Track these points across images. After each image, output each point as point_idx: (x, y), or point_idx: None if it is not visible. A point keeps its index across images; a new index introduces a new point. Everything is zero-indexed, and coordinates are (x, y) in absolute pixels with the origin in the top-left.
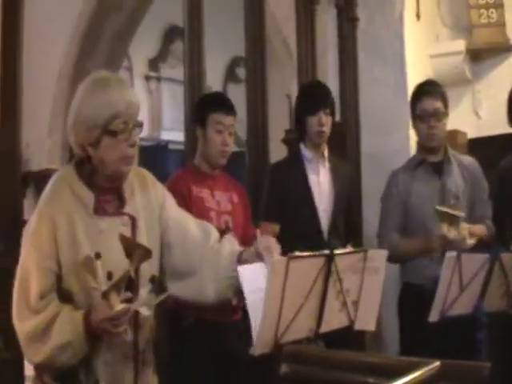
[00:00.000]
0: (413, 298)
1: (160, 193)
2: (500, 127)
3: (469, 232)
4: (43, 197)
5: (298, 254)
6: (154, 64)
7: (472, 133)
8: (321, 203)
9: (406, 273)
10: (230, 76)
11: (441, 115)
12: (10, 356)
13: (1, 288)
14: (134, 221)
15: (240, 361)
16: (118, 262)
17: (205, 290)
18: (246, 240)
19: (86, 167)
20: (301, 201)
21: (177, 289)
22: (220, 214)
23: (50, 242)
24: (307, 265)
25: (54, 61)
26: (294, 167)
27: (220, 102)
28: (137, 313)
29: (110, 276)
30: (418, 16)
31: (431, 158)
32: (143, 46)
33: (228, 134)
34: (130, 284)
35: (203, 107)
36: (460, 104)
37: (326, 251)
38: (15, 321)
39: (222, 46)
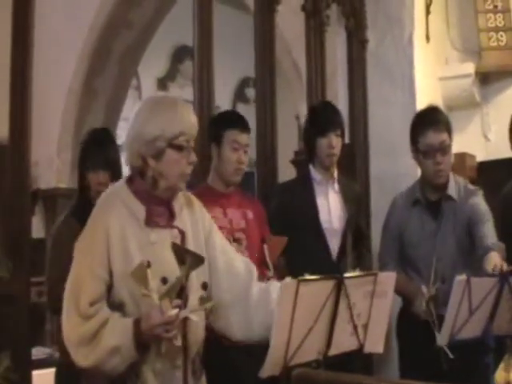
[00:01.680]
0: (410, 323)
1: (207, 218)
2: (509, 150)
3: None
4: (96, 209)
5: (307, 277)
6: (162, 83)
7: (481, 156)
8: (330, 224)
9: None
10: (240, 96)
11: (447, 148)
12: (17, 378)
13: (8, 307)
14: (183, 234)
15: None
16: (170, 270)
17: (251, 325)
18: (262, 256)
19: (140, 181)
20: (307, 222)
21: (222, 321)
22: (232, 232)
23: (103, 252)
24: (317, 288)
25: (63, 78)
26: (302, 189)
27: (235, 120)
28: (186, 320)
29: (164, 281)
30: (427, 38)
31: (430, 196)
32: (152, 65)
33: (243, 152)
34: (180, 291)
35: (218, 125)
36: (469, 127)
37: (336, 274)
38: (65, 326)
39: (231, 66)
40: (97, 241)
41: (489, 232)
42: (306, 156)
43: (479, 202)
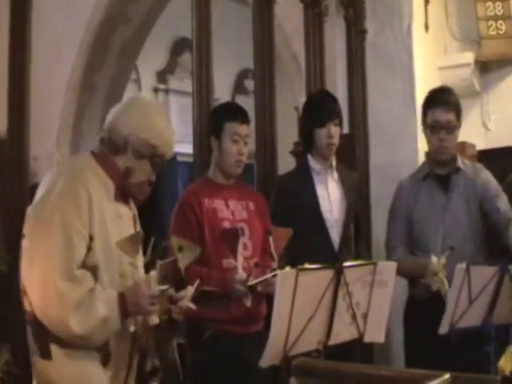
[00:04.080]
0: (418, 311)
1: None
2: (509, 139)
3: None
4: (66, 173)
5: (307, 266)
6: (162, 76)
7: (481, 145)
8: (331, 215)
9: (412, 286)
10: (239, 88)
11: (452, 128)
12: (18, 371)
13: (7, 298)
14: (135, 217)
15: (259, 374)
16: None
17: None
18: (266, 246)
19: (112, 158)
20: (309, 212)
21: None
22: (234, 223)
23: (86, 212)
24: (316, 277)
25: (61, 73)
26: (302, 179)
27: (235, 112)
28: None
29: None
30: (426, 28)
31: (439, 170)
32: (151, 58)
33: (243, 143)
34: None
35: (218, 117)
36: (469, 116)
37: (336, 264)
38: (60, 285)
39: (230, 58)
40: (80, 201)
41: (505, 205)
42: (304, 146)
43: (490, 177)
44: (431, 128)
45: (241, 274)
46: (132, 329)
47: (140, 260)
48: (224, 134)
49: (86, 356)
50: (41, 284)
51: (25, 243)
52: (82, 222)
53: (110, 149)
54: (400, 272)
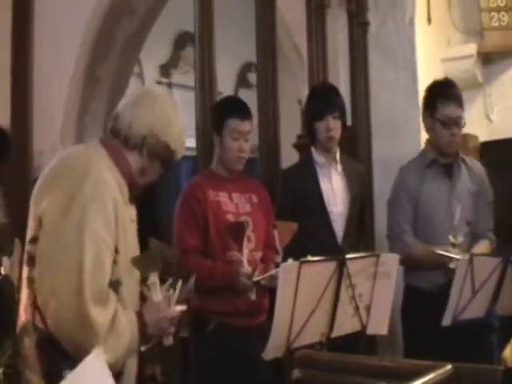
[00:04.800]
0: (416, 302)
1: None
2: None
3: None
4: (87, 167)
5: (309, 258)
6: (165, 70)
7: (483, 136)
8: (335, 207)
9: (409, 275)
10: (242, 81)
11: (462, 123)
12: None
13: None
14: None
15: (262, 365)
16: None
17: None
18: (269, 239)
19: (124, 154)
20: (312, 206)
21: None
22: (238, 216)
23: (113, 223)
24: (319, 269)
25: (65, 67)
26: (306, 172)
27: (235, 109)
28: None
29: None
30: (429, 20)
31: (442, 160)
32: (154, 51)
33: (244, 140)
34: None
35: (219, 113)
36: (471, 107)
37: (338, 256)
38: (91, 311)
39: (233, 52)
40: (107, 210)
41: (490, 215)
42: (308, 139)
43: (486, 179)
44: (443, 123)
45: (246, 267)
46: (142, 349)
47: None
48: (225, 131)
49: None
50: (66, 306)
51: (40, 250)
52: (110, 234)
53: (125, 143)
54: (412, 259)
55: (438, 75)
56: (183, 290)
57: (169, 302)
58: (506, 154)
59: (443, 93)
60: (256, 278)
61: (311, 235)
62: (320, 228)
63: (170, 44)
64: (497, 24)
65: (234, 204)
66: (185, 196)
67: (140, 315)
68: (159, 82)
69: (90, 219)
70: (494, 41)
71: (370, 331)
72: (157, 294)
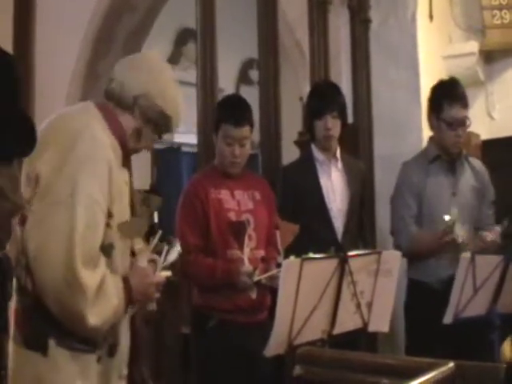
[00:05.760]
0: (419, 297)
1: None
2: None
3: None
4: (83, 127)
5: (311, 255)
6: None
7: (485, 134)
8: (335, 204)
9: (412, 269)
10: (243, 78)
11: (467, 123)
12: None
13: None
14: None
15: (263, 362)
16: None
17: None
18: (271, 236)
19: (118, 115)
20: (312, 202)
21: None
22: (240, 214)
23: (107, 185)
24: (321, 267)
25: (66, 63)
26: (306, 169)
27: (231, 114)
28: None
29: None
30: (430, 17)
31: (446, 156)
32: (155, 47)
33: (240, 145)
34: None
35: (217, 115)
36: (473, 105)
37: (340, 253)
38: (81, 273)
39: (234, 48)
40: (102, 171)
41: (491, 213)
42: (308, 136)
43: (488, 178)
44: (448, 124)
45: (247, 266)
46: (154, 307)
47: (141, 244)
48: (220, 135)
49: (86, 359)
50: (57, 267)
51: (32, 209)
52: (104, 197)
53: (118, 104)
54: (417, 248)
55: (440, 72)
56: (168, 256)
57: (155, 268)
58: (507, 152)
59: (449, 94)
60: (256, 278)
61: (311, 232)
62: (320, 224)
63: (171, 40)
64: (499, 22)
65: (236, 201)
66: (186, 194)
67: (126, 280)
68: None
69: (84, 181)
70: (495, 39)
71: (371, 328)
72: (143, 259)
